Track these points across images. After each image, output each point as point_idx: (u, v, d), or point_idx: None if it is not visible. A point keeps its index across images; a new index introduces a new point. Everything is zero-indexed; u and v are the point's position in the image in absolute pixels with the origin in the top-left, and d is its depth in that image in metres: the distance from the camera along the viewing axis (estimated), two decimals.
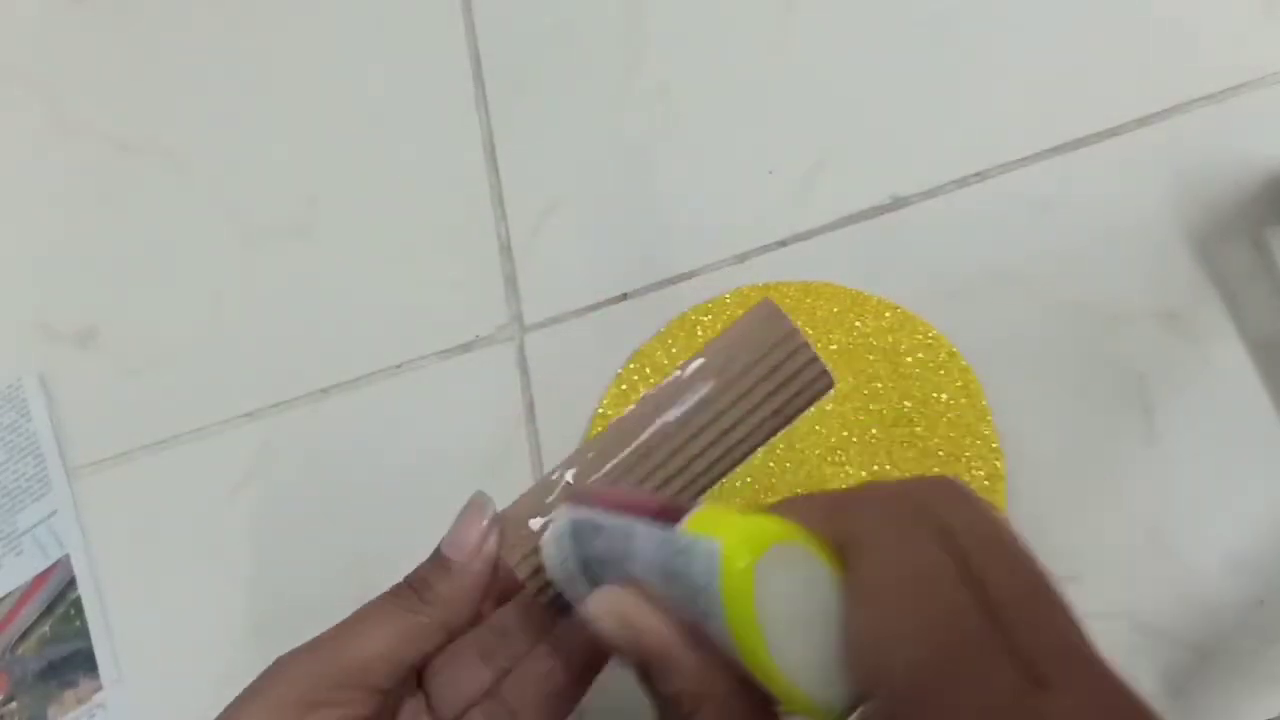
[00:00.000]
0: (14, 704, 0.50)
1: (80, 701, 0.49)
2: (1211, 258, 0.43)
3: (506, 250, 0.52)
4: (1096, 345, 0.43)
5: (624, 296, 0.49)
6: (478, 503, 0.31)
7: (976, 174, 0.47)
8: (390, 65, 0.58)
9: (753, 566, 0.22)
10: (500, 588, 0.32)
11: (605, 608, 0.25)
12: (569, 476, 0.30)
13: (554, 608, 0.30)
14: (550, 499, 0.30)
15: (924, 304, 0.45)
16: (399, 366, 0.51)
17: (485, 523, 0.31)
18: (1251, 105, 0.44)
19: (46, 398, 0.56)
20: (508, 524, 0.31)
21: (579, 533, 0.26)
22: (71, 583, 0.51)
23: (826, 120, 0.50)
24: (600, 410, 0.47)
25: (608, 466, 0.30)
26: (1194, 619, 0.38)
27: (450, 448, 0.49)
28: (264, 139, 0.58)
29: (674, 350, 0.47)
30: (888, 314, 0.45)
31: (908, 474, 0.42)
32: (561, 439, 0.47)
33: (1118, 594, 0.39)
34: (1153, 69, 0.46)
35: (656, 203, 0.51)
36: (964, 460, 0.41)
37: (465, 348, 0.51)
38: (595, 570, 0.26)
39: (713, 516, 0.24)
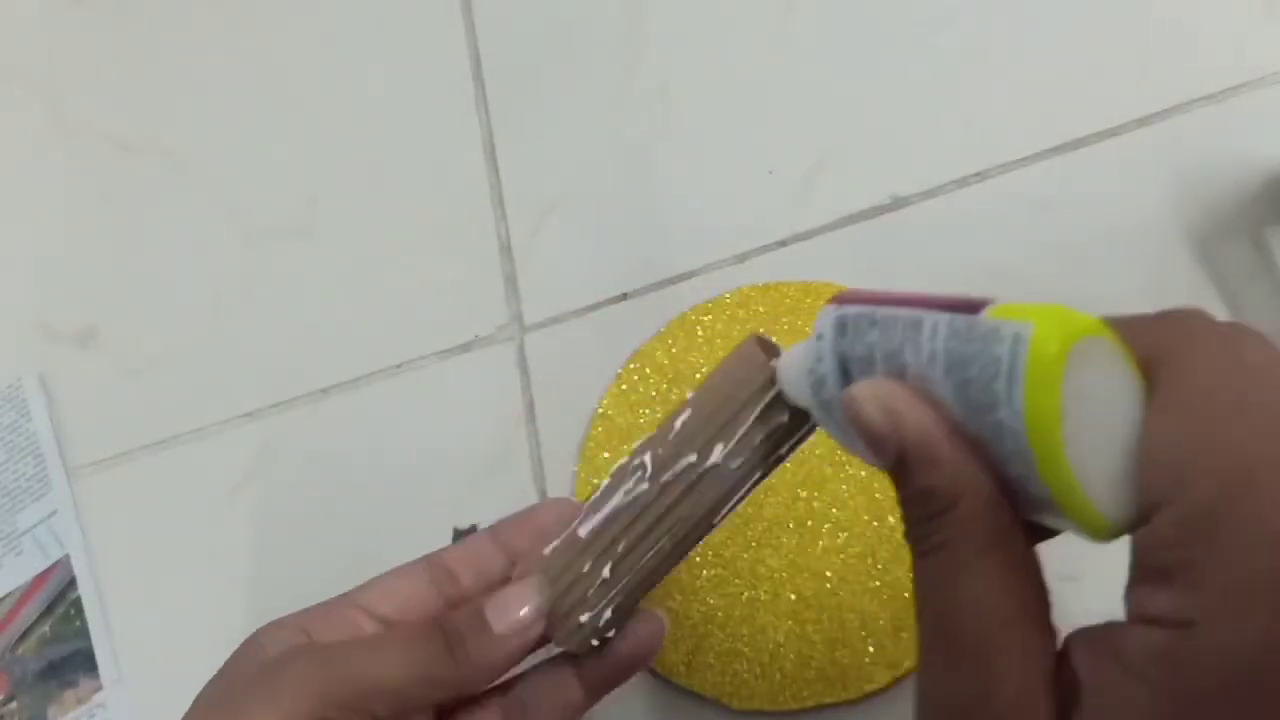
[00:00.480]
0: (14, 704, 0.50)
1: (80, 701, 0.49)
2: (1211, 258, 0.43)
3: (506, 250, 0.52)
4: None
5: (624, 296, 0.49)
6: (534, 582, 0.31)
7: (976, 174, 0.47)
8: (390, 65, 0.58)
9: (1065, 353, 0.20)
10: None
11: (871, 393, 0.23)
12: (583, 531, 0.30)
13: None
14: (583, 566, 0.30)
15: None
16: (399, 366, 0.51)
17: (536, 604, 0.30)
18: (1251, 105, 0.44)
19: (46, 398, 0.56)
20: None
21: (849, 327, 0.24)
22: (71, 583, 0.51)
23: (826, 120, 0.50)
24: (600, 410, 0.47)
25: (599, 519, 0.30)
26: None
27: (450, 448, 0.49)
28: (264, 139, 0.58)
29: (674, 350, 0.47)
30: None
31: None
32: (561, 439, 0.47)
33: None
34: (1153, 69, 0.46)
35: (656, 203, 0.51)
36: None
37: (465, 348, 0.51)
38: (853, 373, 0.25)
39: (1020, 307, 0.22)
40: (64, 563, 0.52)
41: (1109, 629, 0.21)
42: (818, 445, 0.43)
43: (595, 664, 0.32)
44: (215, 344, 0.54)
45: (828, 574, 0.41)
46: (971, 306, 0.23)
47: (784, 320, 0.46)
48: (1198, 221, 0.43)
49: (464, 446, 0.48)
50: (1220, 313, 0.42)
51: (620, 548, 0.30)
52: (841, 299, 0.25)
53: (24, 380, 0.56)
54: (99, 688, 0.49)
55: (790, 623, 0.41)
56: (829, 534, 0.42)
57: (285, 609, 0.33)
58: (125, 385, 0.55)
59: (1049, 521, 0.23)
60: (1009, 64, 0.48)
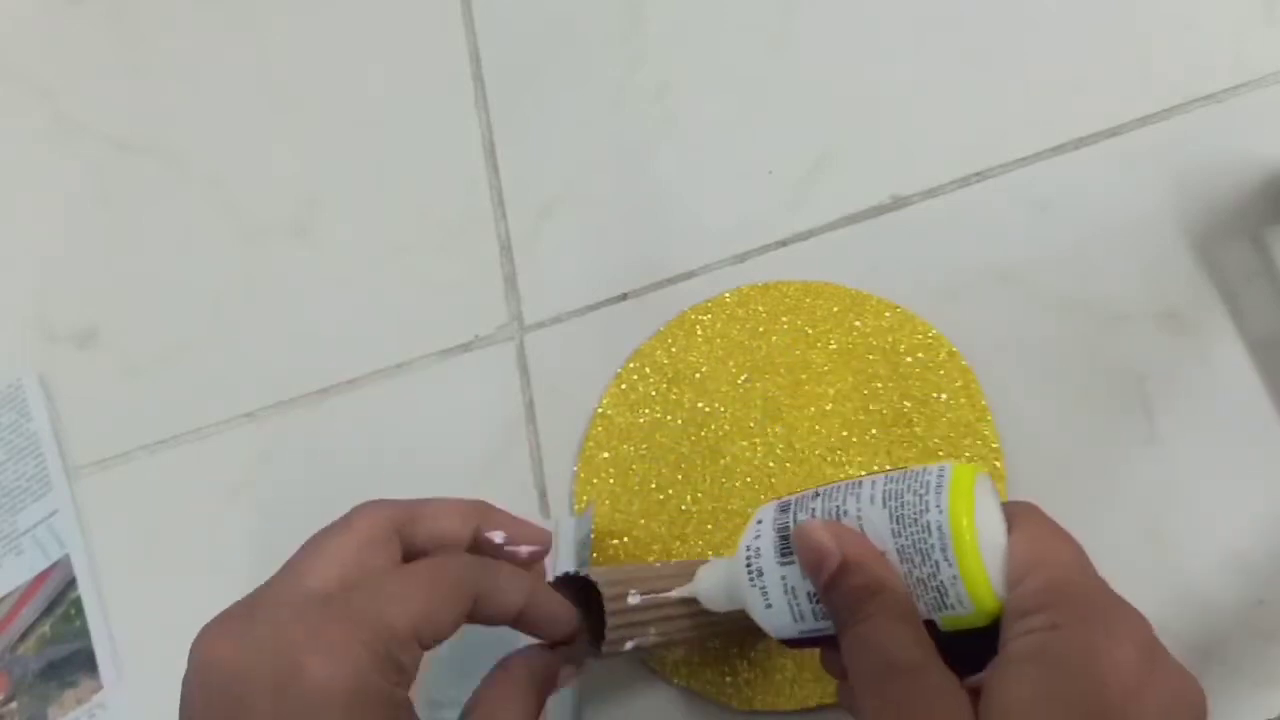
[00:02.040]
0: (14, 704, 0.50)
1: (80, 701, 0.49)
2: (1211, 258, 0.43)
3: (506, 250, 0.52)
4: (1096, 345, 0.43)
5: (624, 296, 0.49)
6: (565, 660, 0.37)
7: (976, 174, 0.47)
8: (390, 65, 0.58)
9: (976, 477, 0.30)
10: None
11: (820, 525, 0.31)
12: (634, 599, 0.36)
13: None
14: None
15: (924, 304, 0.45)
16: (399, 366, 0.51)
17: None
18: (1251, 105, 0.44)
19: (46, 398, 0.56)
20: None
21: (791, 505, 0.33)
22: (71, 583, 0.51)
23: (826, 120, 0.50)
24: (600, 410, 0.47)
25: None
26: (1194, 619, 0.38)
27: (450, 448, 0.49)
28: (264, 139, 0.58)
29: (674, 350, 0.47)
30: (888, 314, 0.45)
31: None
32: (561, 439, 0.47)
33: (1118, 593, 0.39)
34: (1153, 69, 0.46)
35: (656, 203, 0.51)
36: (964, 460, 0.41)
37: (465, 348, 0.51)
38: (789, 538, 0.32)
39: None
40: (64, 563, 0.52)
41: (992, 661, 0.28)
42: (818, 445, 0.43)
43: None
44: (215, 344, 0.54)
45: None
46: (894, 470, 0.32)
47: (784, 320, 0.46)
48: (1198, 221, 0.43)
49: (464, 446, 0.48)
50: (1220, 312, 0.42)
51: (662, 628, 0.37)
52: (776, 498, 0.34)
53: (24, 380, 0.56)
54: (99, 688, 0.49)
55: None
56: None
57: None
58: (125, 385, 0.55)
59: (943, 616, 0.30)
60: (1009, 64, 0.48)
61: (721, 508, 0.43)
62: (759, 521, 0.33)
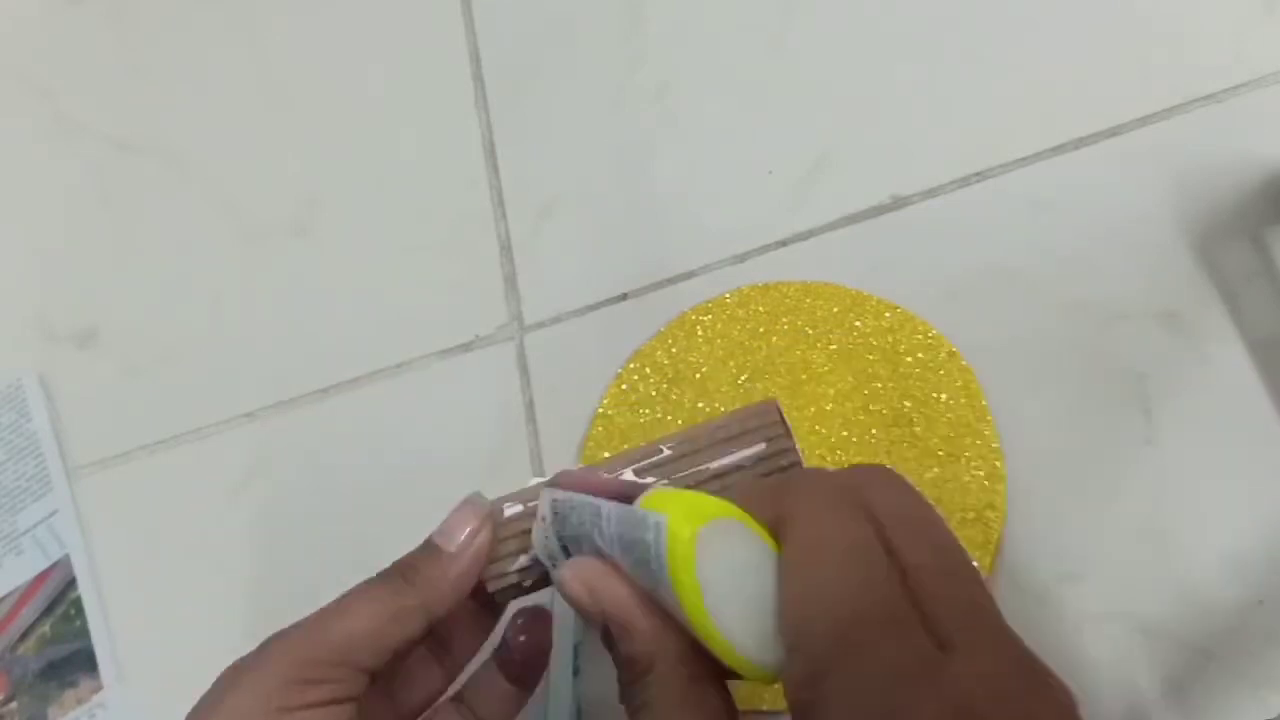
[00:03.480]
0: (14, 704, 0.50)
1: (80, 701, 0.49)
2: (1211, 258, 0.43)
3: (506, 250, 0.52)
4: (1096, 345, 0.43)
5: (624, 296, 0.49)
6: (474, 500, 0.33)
7: (976, 174, 0.47)
8: (390, 65, 0.58)
9: (695, 535, 0.25)
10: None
11: (572, 575, 0.28)
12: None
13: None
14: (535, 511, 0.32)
15: (924, 304, 0.45)
16: (399, 366, 0.51)
17: (479, 519, 0.32)
18: (1251, 105, 0.44)
19: (46, 398, 0.56)
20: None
21: (557, 512, 0.29)
22: (71, 583, 0.51)
23: (826, 120, 0.50)
24: (600, 410, 0.47)
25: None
26: (1194, 619, 0.38)
27: (450, 448, 0.49)
28: (264, 139, 0.58)
29: (674, 350, 0.47)
30: (888, 314, 0.45)
31: (907, 473, 0.42)
32: (561, 439, 0.47)
33: (1118, 594, 0.39)
34: (1153, 69, 0.46)
35: (656, 203, 0.51)
36: (964, 460, 0.41)
37: (465, 348, 0.51)
38: (571, 548, 0.29)
39: (663, 496, 0.27)
40: (64, 563, 0.52)
41: None
42: (818, 445, 0.43)
43: (506, 659, 0.34)
44: (215, 344, 0.54)
45: None
46: (630, 495, 0.27)
47: (784, 320, 0.46)
48: (1198, 221, 0.43)
49: (464, 446, 0.48)
50: (1220, 312, 0.42)
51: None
52: (554, 480, 0.30)
53: (24, 380, 0.56)
54: (99, 688, 0.49)
55: None
56: None
57: (285, 608, 0.33)
58: (125, 385, 0.55)
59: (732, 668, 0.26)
60: (1009, 64, 0.48)
61: None
62: (542, 518, 0.30)
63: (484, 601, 0.33)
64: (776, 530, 0.26)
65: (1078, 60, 0.47)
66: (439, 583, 0.31)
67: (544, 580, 0.33)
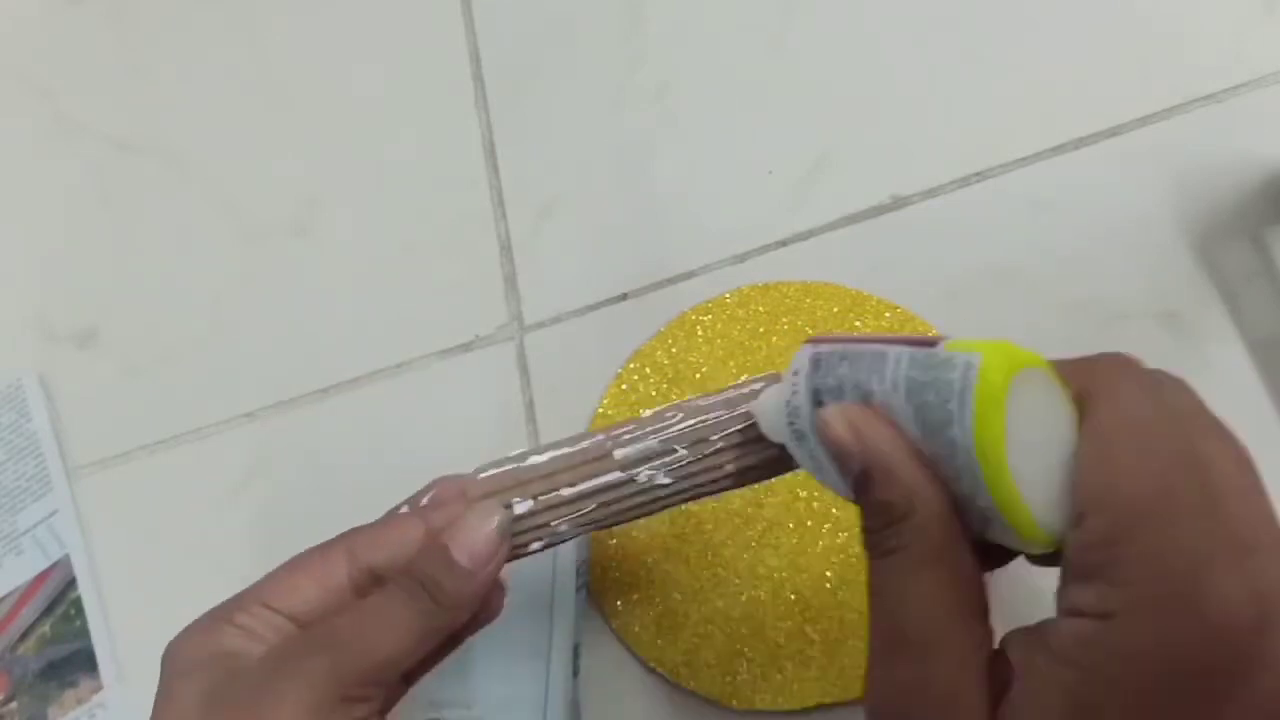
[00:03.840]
0: (14, 704, 0.50)
1: (80, 701, 0.49)
2: (1211, 258, 0.43)
3: (506, 250, 0.52)
4: (1096, 345, 0.42)
5: (624, 296, 0.49)
6: (488, 506, 0.33)
7: (976, 174, 0.47)
8: (390, 65, 0.58)
9: (1009, 379, 0.24)
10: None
11: (840, 414, 0.26)
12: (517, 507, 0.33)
13: None
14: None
15: (924, 304, 0.45)
16: (399, 366, 0.51)
17: (496, 531, 0.32)
18: (1251, 105, 0.44)
19: (46, 398, 0.56)
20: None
21: (822, 362, 0.27)
22: (71, 583, 0.51)
23: (826, 120, 0.50)
24: (600, 410, 0.47)
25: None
26: None
27: (450, 448, 0.49)
28: (264, 139, 0.58)
29: (674, 350, 0.47)
30: (888, 314, 0.45)
31: None
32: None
33: None
34: (1153, 69, 0.46)
35: (656, 203, 0.51)
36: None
37: (465, 348, 0.51)
38: (825, 403, 0.27)
39: (972, 342, 0.25)
40: (64, 563, 0.52)
41: (1040, 625, 0.24)
42: None
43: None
44: (215, 344, 0.54)
45: (828, 574, 0.41)
46: (930, 342, 0.26)
47: (784, 320, 0.46)
48: (1198, 221, 0.43)
49: (464, 446, 0.48)
50: (1220, 312, 0.42)
51: (565, 506, 0.33)
52: (816, 340, 0.28)
53: (24, 380, 0.56)
54: (99, 688, 0.49)
55: (790, 623, 0.41)
56: (829, 534, 0.42)
57: None
58: (125, 385, 0.55)
59: (994, 535, 0.25)
60: (1009, 64, 0.48)
61: (722, 507, 0.43)
62: (795, 372, 0.28)
63: None
64: (1081, 399, 0.25)
65: (1078, 60, 0.47)
66: (464, 599, 0.31)
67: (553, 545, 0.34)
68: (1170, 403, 0.25)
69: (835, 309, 0.45)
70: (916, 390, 0.25)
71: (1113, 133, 0.46)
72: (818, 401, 0.27)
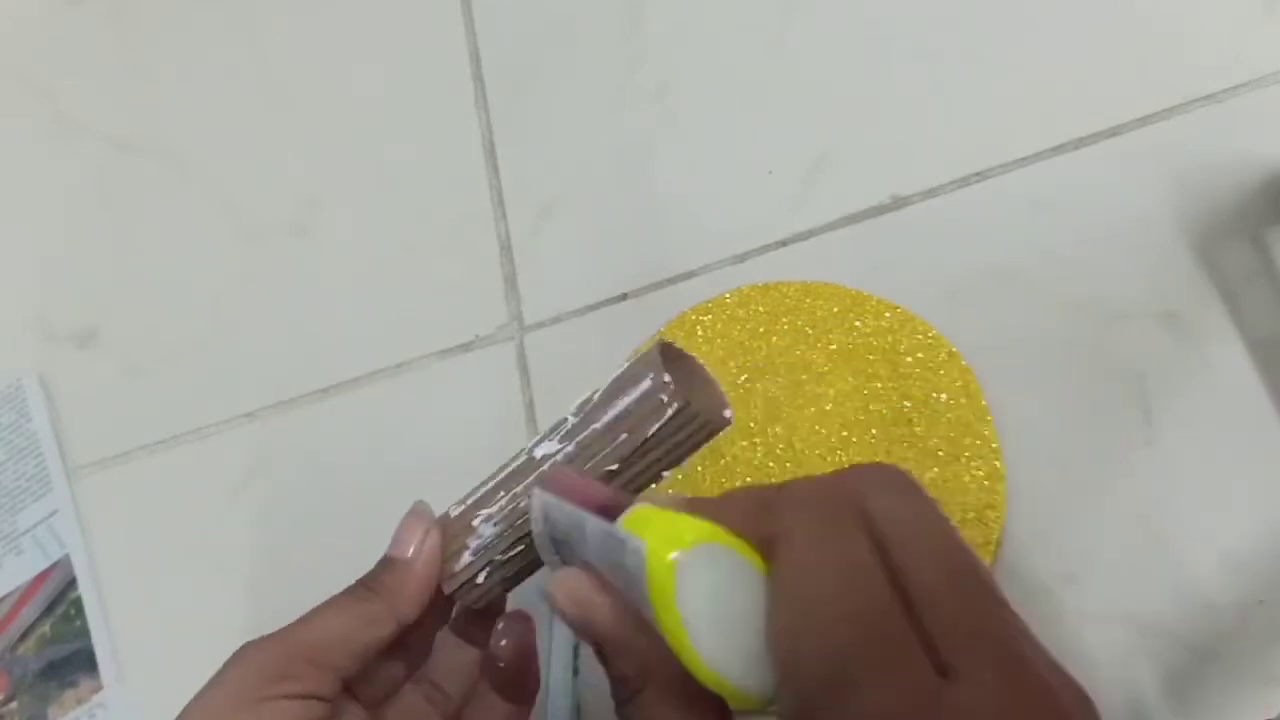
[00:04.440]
0: (14, 704, 0.50)
1: (80, 701, 0.49)
2: (1211, 258, 0.43)
3: (506, 250, 0.52)
4: (1096, 345, 0.43)
5: (624, 296, 0.49)
6: (418, 510, 0.34)
7: (976, 174, 0.47)
8: (390, 65, 0.58)
9: (674, 563, 0.24)
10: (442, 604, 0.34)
11: (562, 589, 0.27)
12: (454, 512, 0.34)
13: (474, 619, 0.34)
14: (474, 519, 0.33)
15: (924, 304, 0.45)
16: (399, 366, 0.51)
17: (425, 524, 0.33)
18: (1251, 105, 0.44)
19: (46, 398, 0.56)
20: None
21: (549, 516, 0.28)
22: (71, 583, 0.51)
23: (826, 120, 0.50)
24: None
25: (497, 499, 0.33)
26: (1194, 619, 0.38)
27: (450, 448, 0.49)
28: (264, 139, 0.58)
29: None
30: (888, 314, 0.45)
31: None
32: None
33: (1118, 594, 0.39)
34: (1153, 69, 0.46)
35: (656, 203, 0.51)
36: (964, 460, 0.41)
37: (465, 348, 0.51)
38: (563, 552, 0.29)
39: (645, 515, 0.25)
40: (64, 563, 0.52)
41: None
42: (818, 445, 0.43)
43: (495, 670, 0.34)
44: (215, 344, 0.54)
45: None
46: (614, 510, 0.26)
47: (784, 320, 0.46)
48: (1198, 221, 0.43)
49: (464, 446, 0.48)
50: (1220, 312, 0.42)
51: (499, 510, 0.33)
52: (545, 482, 0.29)
53: (24, 380, 0.56)
54: (99, 688, 0.49)
55: None
56: None
57: (285, 608, 0.33)
58: (125, 385, 0.55)
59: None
60: (1009, 64, 0.48)
61: None
62: (535, 520, 0.30)
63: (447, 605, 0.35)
64: (766, 549, 0.25)
65: (1078, 60, 0.47)
66: (401, 588, 0.32)
67: (500, 571, 0.33)
68: (864, 520, 0.24)
69: (835, 309, 0.45)
70: (610, 572, 0.26)
71: (1113, 133, 0.46)
72: (557, 550, 0.28)
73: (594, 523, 0.26)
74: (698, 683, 0.24)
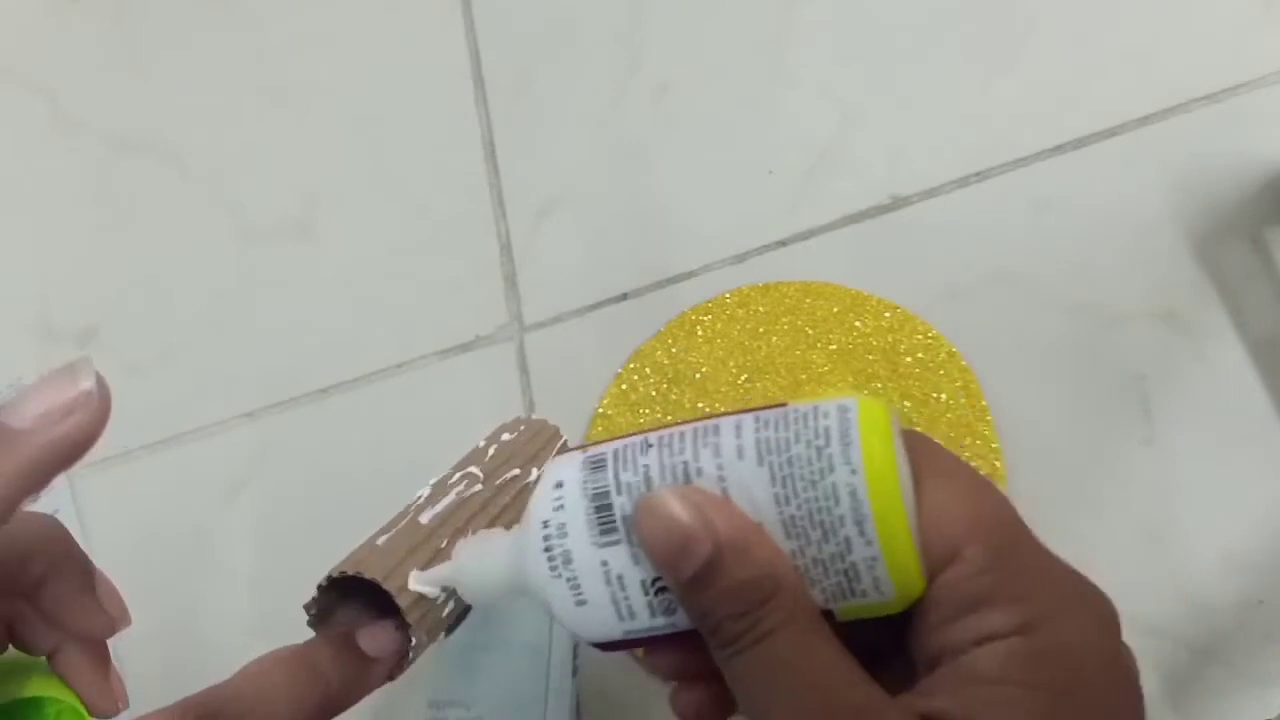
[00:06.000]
0: None
1: None
2: (1211, 258, 0.43)
3: (506, 250, 0.52)
4: (1096, 345, 0.43)
5: (624, 296, 0.49)
6: (78, 365, 0.26)
7: (976, 174, 0.47)
8: (390, 65, 0.58)
9: (890, 410, 0.23)
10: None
11: (678, 495, 0.23)
12: (424, 519, 0.33)
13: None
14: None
15: (924, 304, 0.45)
16: (399, 366, 0.51)
17: (75, 393, 0.25)
18: (1251, 105, 0.44)
19: None
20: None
21: (608, 461, 0.24)
22: None
23: (826, 120, 0.50)
24: (600, 410, 0.47)
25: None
26: (1194, 619, 0.38)
27: (450, 448, 0.48)
28: (264, 139, 0.58)
29: (674, 350, 0.47)
30: (887, 314, 0.45)
31: None
32: None
33: (1118, 594, 0.38)
34: (1152, 69, 0.46)
35: (656, 202, 0.51)
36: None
37: (465, 348, 0.51)
38: (619, 504, 0.24)
39: (821, 393, 0.24)
40: None
41: (940, 675, 0.22)
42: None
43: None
44: (215, 344, 0.54)
45: None
46: (765, 407, 0.24)
47: (784, 320, 0.46)
48: (1198, 221, 0.43)
49: (464, 447, 0.48)
50: (1220, 312, 0.42)
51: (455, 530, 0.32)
52: (582, 447, 0.25)
53: (24, 380, 0.56)
54: None
55: None
56: None
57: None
58: (125, 384, 0.55)
59: (847, 605, 0.23)
60: (1008, 64, 0.48)
61: None
62: (558, 485, 0.24)
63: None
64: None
65: (1078, 60, 0.47)
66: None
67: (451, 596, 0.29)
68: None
69: (835, 309, 0.45)
70: (777, 447, 0.23)
71: (1113, 133, 0.46)
72: (600, 509, 0.24)
73: (740, 418, 0.23)
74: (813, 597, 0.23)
